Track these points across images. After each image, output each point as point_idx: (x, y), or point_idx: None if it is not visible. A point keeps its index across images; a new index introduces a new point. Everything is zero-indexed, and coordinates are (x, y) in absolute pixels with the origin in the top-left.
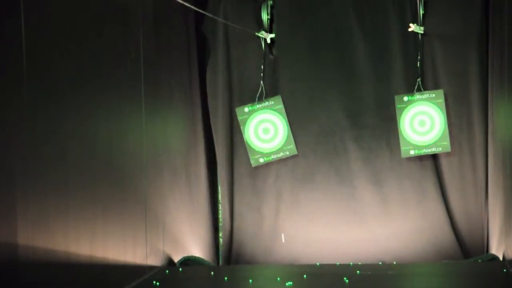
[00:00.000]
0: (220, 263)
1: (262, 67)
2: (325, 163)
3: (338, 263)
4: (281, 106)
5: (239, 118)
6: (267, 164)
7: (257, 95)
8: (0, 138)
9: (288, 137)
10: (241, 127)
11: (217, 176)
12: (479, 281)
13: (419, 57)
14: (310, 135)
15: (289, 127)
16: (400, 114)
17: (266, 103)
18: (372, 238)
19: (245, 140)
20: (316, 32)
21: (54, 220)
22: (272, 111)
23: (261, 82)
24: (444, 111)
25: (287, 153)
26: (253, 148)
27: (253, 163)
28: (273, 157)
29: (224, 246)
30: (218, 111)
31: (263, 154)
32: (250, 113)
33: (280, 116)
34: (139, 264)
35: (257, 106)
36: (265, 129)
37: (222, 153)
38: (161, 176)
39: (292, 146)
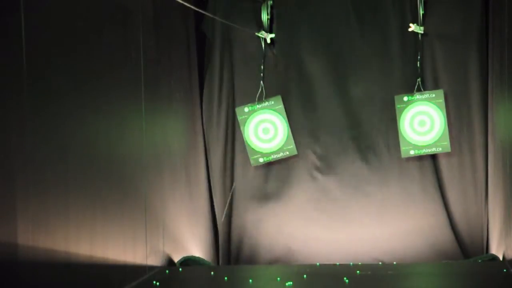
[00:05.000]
0: (220, 263)
1: (262, 67)
2: (324, 163)
3: (338, 263)
4: (281, 106)
5: (239, 118)
6: (267, 164)
7: (257, 95)
8: (0, 138)
9: (288, 137)
10: (241, 127)
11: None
12: (479, 281)
13: (419, 57)
14: (310, 135)
15: (289, 127)
16: (400, 114)
17: (266, 103)
18: (372, 238)
19: (244, 140)
20: (316, 32)
21: (54, 220)
22: (272, 111)
23: (261, 82)
24: (444, 111)
25: (287, 153)
26: (252, 148)
27: (253, 163)
28: (273, 157)
29: (223, 246)
30: (214, 111)
31: (262, 154)
32: (250, 113)
33: (280, 116)
34: (139, 264)
35: (257, 106)
36: (265, 129)
37: (218, 153)
38: (161, 176)
39: (292, 146)
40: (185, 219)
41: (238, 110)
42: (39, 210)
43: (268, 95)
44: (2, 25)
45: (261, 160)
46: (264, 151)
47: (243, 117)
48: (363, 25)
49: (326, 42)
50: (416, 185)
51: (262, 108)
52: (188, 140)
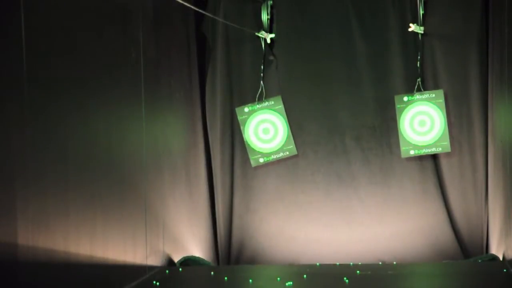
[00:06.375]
0: (220, 263)
1: (262, 67)
2: (325, 163)
3: (338, 263)
4: (281, 106)
5: (239, 118)
6: (267, 164)
7: (257, 95)
8: (0, 138)
9: (288, 137)
10: (241, 127)
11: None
12: (479, 281)
13: (419, 57)
14: (310, 135)
15: (289, 127)
16: (400, 114)
17: (266, 103)
18: (372, 238)
19: (245, 140)
20: (316, 32)
21: (54, 220)
22: (272, 111)
23: (261, 82)
24: (444, 111)
25: (287, 153)
26: (253, 148)
27: (253, 163)
28: (273, 157)
29: (224, 246)
30: (217, 111)
31: (263, 154)
32: (250, 113)
33: (280, 116)
34: (139, 264)
35: (257, 106)
36: (265, 129)
37: (218, 153)
38: (161, 176)
39: (292, 146)
40: (185, 219)
41: (238, 110)
42: (39, 210)
43: (268, 95)
44: (2, 25)
45: (261, 160)
46: (264, 151)
47: (243, 117)
48: (363, 25)
49: (326, 42)
50: (416, 185)
51: (262, 108)
52: (188, 140)
